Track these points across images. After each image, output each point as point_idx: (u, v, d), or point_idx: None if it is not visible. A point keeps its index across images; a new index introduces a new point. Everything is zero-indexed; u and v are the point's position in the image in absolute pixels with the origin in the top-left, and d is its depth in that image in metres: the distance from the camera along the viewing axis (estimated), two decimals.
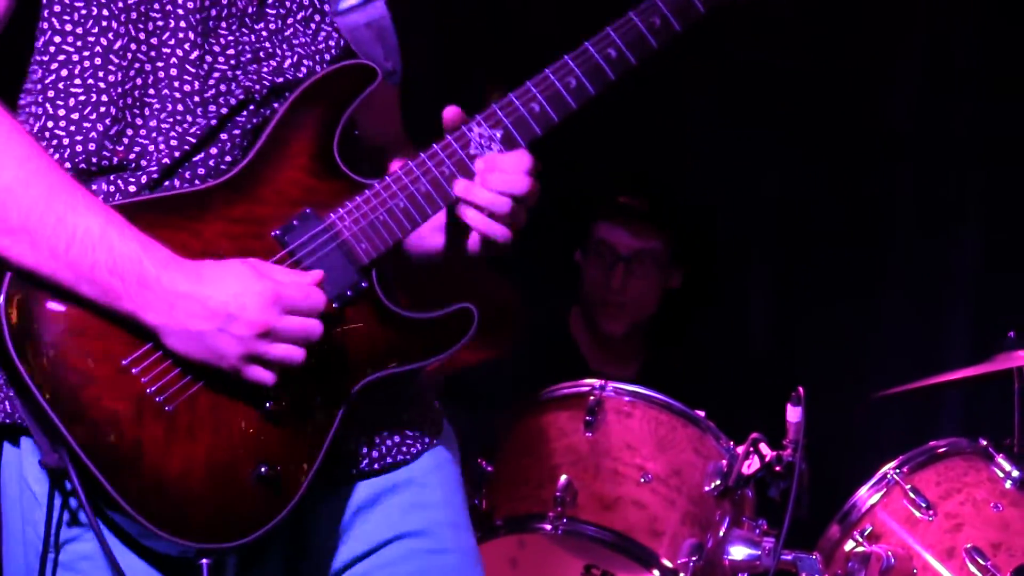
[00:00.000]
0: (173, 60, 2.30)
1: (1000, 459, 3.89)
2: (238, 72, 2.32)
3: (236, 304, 2.16)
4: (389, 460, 2.42)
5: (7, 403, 2.27)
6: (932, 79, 5.13)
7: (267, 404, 2.22)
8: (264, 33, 2.37)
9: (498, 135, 2.35)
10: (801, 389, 3.63)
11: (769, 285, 5.28)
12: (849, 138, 5.14)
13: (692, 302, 4.91)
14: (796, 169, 5.17)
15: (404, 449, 2.44)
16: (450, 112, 2.36)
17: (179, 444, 2.19)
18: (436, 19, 4.87)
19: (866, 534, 3.80)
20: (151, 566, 2.25)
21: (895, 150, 5.17)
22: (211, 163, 2.30)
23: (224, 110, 2.31)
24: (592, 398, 3.86)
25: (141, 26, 2.29)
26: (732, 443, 3.86)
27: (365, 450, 2.40)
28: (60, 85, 2.28)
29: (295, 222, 2.29)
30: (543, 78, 2.36)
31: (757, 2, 2.48)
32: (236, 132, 2.32)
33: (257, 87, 2.33)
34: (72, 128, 2.28)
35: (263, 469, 2.21)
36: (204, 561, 2.19)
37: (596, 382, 3.91)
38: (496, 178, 2.33)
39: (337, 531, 2.40)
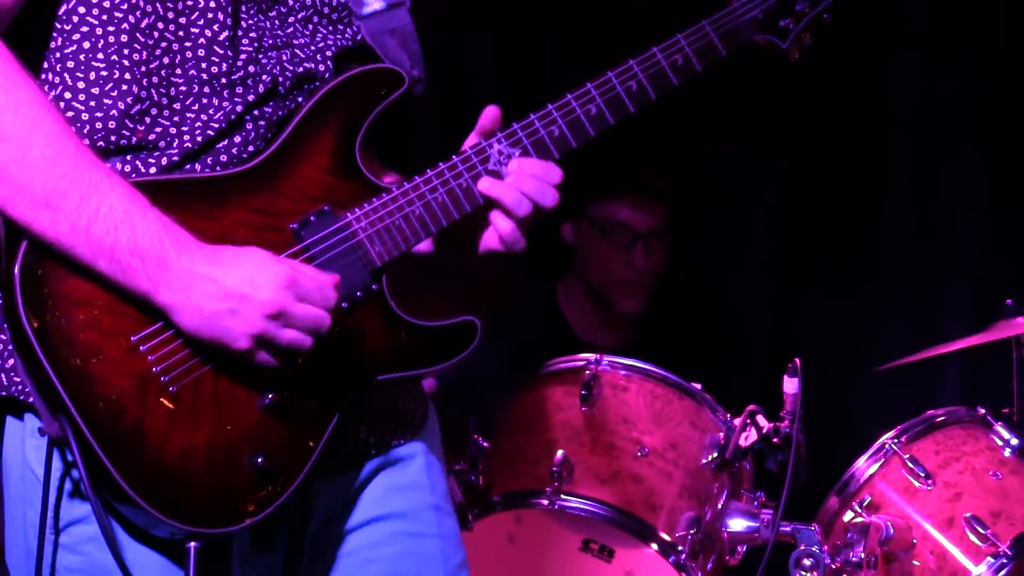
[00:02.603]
0: (202, 40, 2.29)
1: (999, 427, 3.88)
2: (261, 56, 2.33)
3: (251, 285, 2.16)
4: (383, 445, 2.44)
5: (2, 375, 2.27)
6: (932, 51, 5.11)
7: (269, 396, 2.23)
8: (277, 22, 2.37)
9: (516, 153, 2.38)
10: (798, 360, 3.62)
11: (766, 256, 5.27)
12: (848, 111, 5.12)
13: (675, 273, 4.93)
14: (793, 143, 5.16)
15: (398, 434, 2.46)
16: (491, 111, 2.40)
17: (180, 426, 2.19)
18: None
19: (865, 504, 3.80)
20: (152, 550, 2.24)
21: (894, 122, 5.16)
22: (234, 151, 2.30)
23: (251, 96, 2.31)
24: (588, 372, 3.85)
25: (171, 5, 2.28)
26: (729, 415, 3.85)
27: (363, 436, 2.41)
28: (81, 57, 2.26)
29: (312, 218, 2.29)
30: (565, 103, 2.40)
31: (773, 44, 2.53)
32: (262, 123, 2.32)
33: (281, 77, 2.34)
34: (92, 104, 2.26)
35: (260, 459, 2.21)
36: (191, 544, 2.19)
37: (591, 356, 3.89)
38: (527, 182, 2.37)
39: (337, 508, 2.41)
